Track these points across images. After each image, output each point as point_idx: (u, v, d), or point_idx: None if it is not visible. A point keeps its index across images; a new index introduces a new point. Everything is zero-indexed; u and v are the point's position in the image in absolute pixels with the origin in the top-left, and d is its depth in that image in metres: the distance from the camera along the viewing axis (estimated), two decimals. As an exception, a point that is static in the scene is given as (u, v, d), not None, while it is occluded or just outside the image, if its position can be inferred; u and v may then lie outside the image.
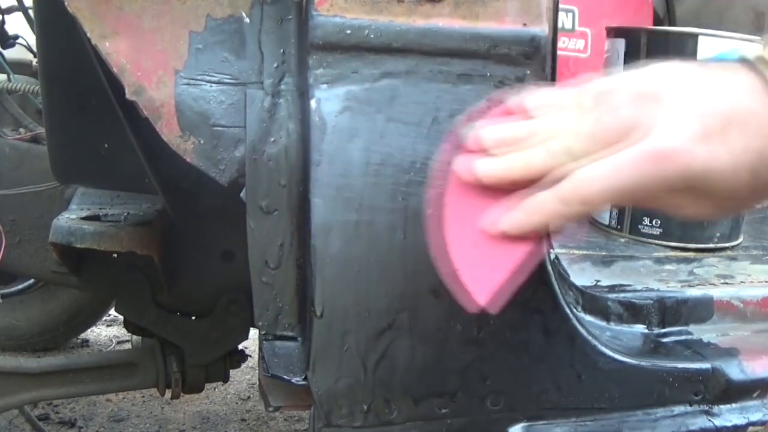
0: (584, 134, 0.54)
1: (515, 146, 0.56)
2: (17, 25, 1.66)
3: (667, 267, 1.01)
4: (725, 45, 1.01)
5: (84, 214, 0.98)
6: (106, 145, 0.96)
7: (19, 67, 1.66)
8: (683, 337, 0.85)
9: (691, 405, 0.79)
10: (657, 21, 1.69)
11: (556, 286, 0.73)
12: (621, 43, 1.11)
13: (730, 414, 0.80)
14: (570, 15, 1.60)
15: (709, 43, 1.02)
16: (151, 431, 1.67)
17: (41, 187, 1.22)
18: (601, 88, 0.56)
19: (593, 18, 1.59)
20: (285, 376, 0.71)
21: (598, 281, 0.91)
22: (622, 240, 1.12)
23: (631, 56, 1.08)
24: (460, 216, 0.57)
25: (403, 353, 0.70)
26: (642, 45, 1.08)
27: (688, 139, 0.52)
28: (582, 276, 0.90)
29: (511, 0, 0.68)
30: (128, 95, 0.65)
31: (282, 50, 0.67)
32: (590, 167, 0.54)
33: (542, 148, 0.55)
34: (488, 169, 0.56)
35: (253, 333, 1.17)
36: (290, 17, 0.67)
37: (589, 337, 0.75)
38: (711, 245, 1.10)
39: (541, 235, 0.57)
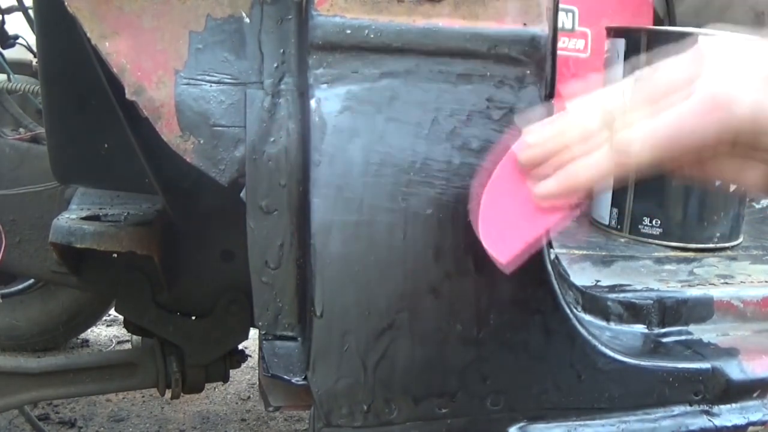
0: (638, 99, 0.54)
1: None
2: (17, 25, 1.66)
3: (667, 267, 1.01)
4: (725, 45, 1.01)
5: (84, 214, 0.98)
6: (106, 145, 0.96)
7: (19, 67, 1.66)
8: (683, 337, 0.85)
9: (691, 405, 0.79)
10: (657, 21, 1.69)
11: (556, 286, 0.73)
12: (621, 43, 1.11)
13: (730, 414, 0.80)
14: (570, 15, 1.60)
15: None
16: (151, 431, 1.66)
17: (41, 187, 1.22)
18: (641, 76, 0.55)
19: (593, 18, 1.59)
20: (285, 376, 0.71)
21: (598, 281, 0.91)
22: (622, 240, 1.12)
23: (631, 56, 1.08)
24: (502, 185, 0.60)
25: (403, 353, 0.70)
26: (642, 45, 1.08)
27: (743, 83, 0.50)
28: (582, 276, 0.90)
29: (511, 0, 0.68)
30: (128, 95, 0.65)
31: (282, 50, 0.67)
32: (646, 122, 0.53)
33: (605, 148, 0.54)
34: (550, 189, 0.57)
35: (253, 333, 1.17)
36: (290, 17, 0.67)
37: (589, 337, 0.75)
38: (711, 245, 1.10)
39: (578, 201, 0.58)
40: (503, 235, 0.60)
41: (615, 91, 0.55)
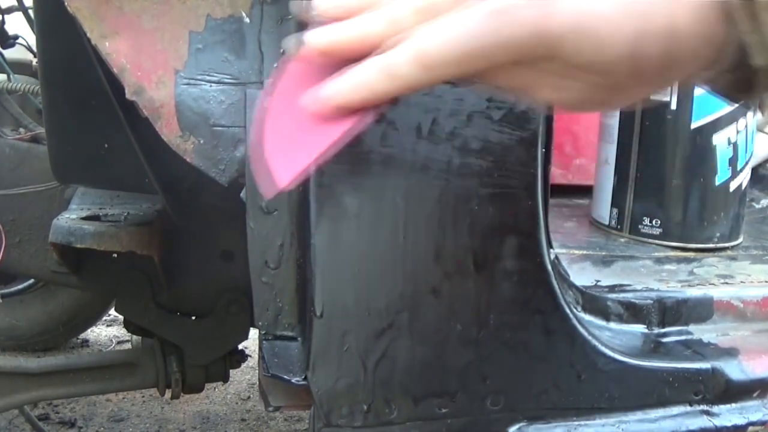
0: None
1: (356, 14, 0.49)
2: (17, 25, 1.66)
3: (667, 267, 1.01)
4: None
5: (84, 214, 0.98)
6: (106, 145, 0.96)
7: (19, 67, 1.66)
8: (683, 337, 0.85)
9: (691, 405, 0.79)
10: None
11: (556, 286, 0.73)
12: None
13: (730, 414, 0.80)
14: None
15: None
16: (151, 431, 1.67)
17: (41, 187, 1.22)
18: None
19: None
20: (285, 376, 0.71)
21: (598, 281, 0.91)
22: (622, 240, 1.12)
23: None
24: (285, 102, 0.52)
25: (403, 353, 0.70)
26: None
27: None
28: (582, 276, 0.90)
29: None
30: (128, 95, 0.65)
31: (282, 50, 0.67)
32: (430, 27, 0.46)
33: (383, 11, 0.48)
34: (319, 38, 0.48)
35: (253, 333, 1.17)
36: (290, 17, 0.67)
37: (589, 337, 0.75)
38: (711, 245, 1.10)
39: (367, 111, 0.50)
40: (287, 154, 0.51)
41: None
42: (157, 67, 0.65)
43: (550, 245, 0.74)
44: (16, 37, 1.67)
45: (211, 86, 0.67)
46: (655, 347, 0.83)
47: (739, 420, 0.80)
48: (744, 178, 1.12)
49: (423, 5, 0.48)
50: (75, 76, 0.90)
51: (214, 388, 1.83)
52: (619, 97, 0.49)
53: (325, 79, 0.50)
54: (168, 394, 1.20)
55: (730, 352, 0.82)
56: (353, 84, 0.48)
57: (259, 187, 0.54)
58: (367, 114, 0.50)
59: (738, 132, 1.08)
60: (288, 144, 0.52)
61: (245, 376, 1.90)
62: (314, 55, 0.49)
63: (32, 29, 1.48)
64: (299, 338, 0.72)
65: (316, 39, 0.49)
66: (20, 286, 1.80)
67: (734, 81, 0.47)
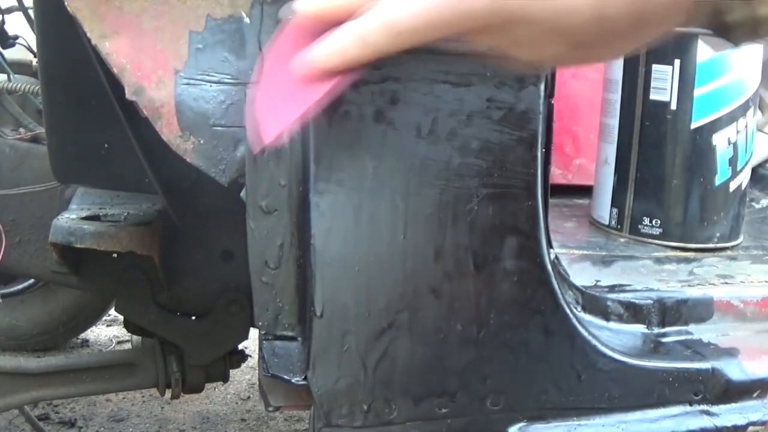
0: None
1: None
2: (17, 25, 1.66)
3: (667, 267, 1.01)
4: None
5: (84, 214, 0.98)
6: (106, 145, 0.96)
7: (19, 67, 1.66)
8: (683, 337, 0.85)
9: (691, 405, 0.79)
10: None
11: (556, 286, 0.73)
12: (621, 43, 1.10)
13: (730, 414, 0.80)
14: None
15: (709, 43, 1.02)
16: (151, 431, 1.67)
17: (41, 187, 1.22)
18: None
19: None
20: (285, 376, 0.71)
21: (598, 281, 0.91)
22: (622, 240, 1.12)
23: (631, 56, 1.08)
24: (278, 65, 0.57)
25: (403, 353, 0.70)
26: (642, 45, 1.08)
27: None
28: (582, 276, 0.90)
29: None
30: (128, 95, 0.65)
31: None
32: None
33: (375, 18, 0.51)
34: (309, 5, 0.53)
35: (253, 333, 1.17)
36: (290, 17, 0.67)
37: (589, 337, 0.75)
38: (711, 245, 1.10)
39: (344, 74, 0.55)
40: (275, 112, 0.57)
41: None
42: (157, 67, 0.65)
43: (550, 245, 0.74)
44: (16, 37, 1.67)
45: (211, 86, 0.67)
46: (655, 347, 0.83)
47: (739, 420, 0.80)
48: (744, 178, 1.12)
49: None
50: (75, 76, 0.90)
51: (214, 388, 1.83)
52: (599, 53, 0.52)
53: (313, 43, 0.54)
54: (168, 394, 1.20)
55: (730, 352, 0.82)
56: (330, 50, 0.52)
57: (249, 142, 0.59)
58: (345, 77, 0.55)
59: (738, 132, 1.08)
60: (276, 103, 0.57)
61: (245, 376, 1.90)
62: (304, 21, 0.54)
63: (32, 29, 1.48)
64: (299, 338, 0.72)
65: (306, 5, 0.54)
66: (20, 286, 1.80)
67: (710, 29, 0.48)
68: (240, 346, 1.21)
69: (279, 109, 0.56)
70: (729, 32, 0.47)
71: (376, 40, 0.50)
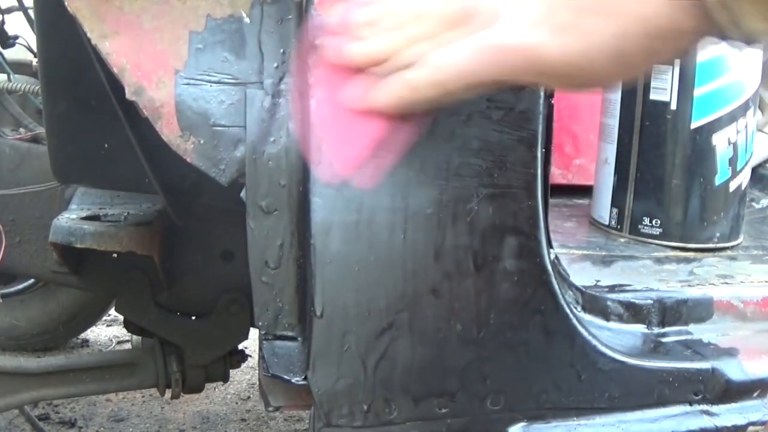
0: (434, 16, 0.57)
1: (377, 27, 0.59)
2: (17, 25, 1.66)
3: (667, 267, 1.01)
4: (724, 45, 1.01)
5: (84, 214, 0.98)
6: (106, 145, 0.96)
7: (19, 67, 1.66)
8: (683, 337, 0.85)
9: (691, 405, 0.79)
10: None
11: (556, 286, 0.73)
12: None
13: (730, 414, 0.80)
14: None
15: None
16: (151, 431, 1.67)
17: (41, 187, 1.22)
18: None
19: None
20: (285, 376, 0.71)
21: (598, 281, 0.91)
22: (622, 240, 1.12)
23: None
24: (325, 93, 0.62)
25: (403, 353, 0.70)
26: None
27: (535, 32, 0.52)
28: (582, 276, 0.90)
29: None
30: (128, 95, 0.65)
31: (282, 50, 0.67)
32: (441, 52, 0.56)
33: (402, 31, 0.58)
34: (358, 51, 0.59)
35: (253, 333, 1.17)
36: (290, 17, 0.67)
37: (589, 337, 0.75)
38: (711, 245, 1.10)
39: (402, 115, 0.61)
40: (343, 144, 0.62)
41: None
42: (157, 67, 0.65)
43: (550, 245, 0.74)
44: (16, 37, 1.67)
45: (211, 86, 0.67)
46: (655, 347, 0.83)
47: (739, 420, 0.80)
48: (744, 178, 1.12)
49: (427, 29, 0.57)
50: (75, 76, 0.90)
51: (214, 388, 1.83)
52: (612, 81, 0.61)
53: (351, 77, 0.60)
54: (168, 394, 1.20)
55: (730, 352, 0.82)
56: (385, 93, 0.59)
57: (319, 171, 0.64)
58: (403, 118, 0.61)
59: (738, 132, 1.08)
60: (341, 134, 0.62)
61: (245, 376, 1.90)
62: (350, 63, 0.60)
63: (32, 29, 1.48)
64: (299, 338, 0.72)
65: (355, 51, 0.60)
66: (20, 286, 1.79)
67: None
68: (240, 346, 1.21)
69: (345, 140, 0.61)
70: (727, 40, 0.51)
71: (425, 88, 0.57)
